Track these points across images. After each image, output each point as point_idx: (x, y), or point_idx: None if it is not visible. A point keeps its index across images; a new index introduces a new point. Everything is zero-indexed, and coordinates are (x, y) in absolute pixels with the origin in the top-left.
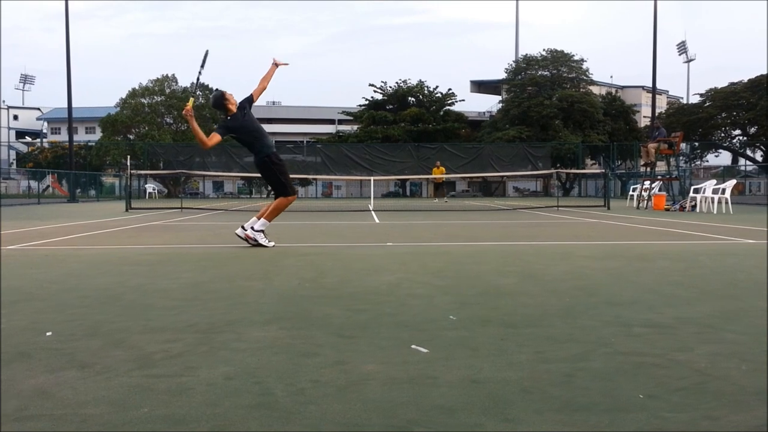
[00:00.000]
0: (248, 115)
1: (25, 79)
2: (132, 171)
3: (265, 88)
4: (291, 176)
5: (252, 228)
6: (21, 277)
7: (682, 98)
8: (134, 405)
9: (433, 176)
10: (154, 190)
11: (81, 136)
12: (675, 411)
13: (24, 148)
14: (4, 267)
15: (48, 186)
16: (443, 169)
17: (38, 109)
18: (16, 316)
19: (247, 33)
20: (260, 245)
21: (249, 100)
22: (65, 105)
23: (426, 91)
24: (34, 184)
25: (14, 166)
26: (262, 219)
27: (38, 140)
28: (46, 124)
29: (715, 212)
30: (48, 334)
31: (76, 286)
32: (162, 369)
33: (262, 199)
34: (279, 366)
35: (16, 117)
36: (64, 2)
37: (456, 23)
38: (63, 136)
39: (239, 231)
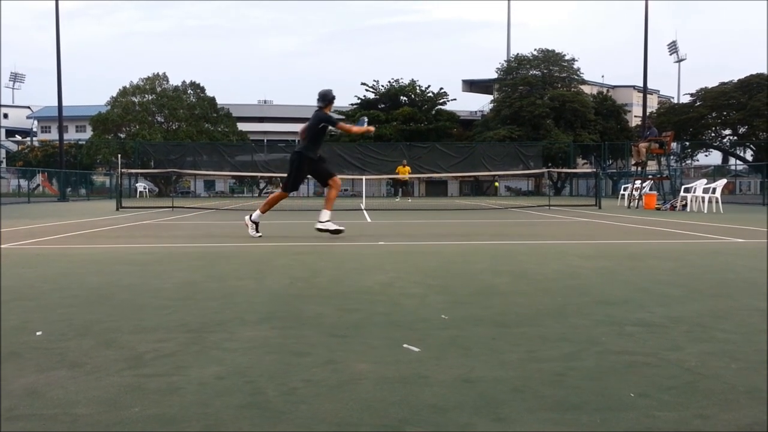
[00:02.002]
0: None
1: (15, 77)
2: (123, 170)
3: (344, 130)
4: (281, 174)
5: (250, 218)
6: (11, 277)
7: (672, 98)
8: (125, 405)
9: (398, 176)
10: (145, 189)
11: (71, 135)
12: (666, 410)
13: (14, 147)
14: None
15: (38, 185)
16: (409, 168)
17: (28, 107)
18: (7, 315)
19: (240, 32)
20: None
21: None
22: (56, 103)
23: (418, 91)
24: (24, 182)
25: (4, 165)
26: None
27: (28, 139)
28: (36, 122)
29: (705, 211)
30: (38, 333)
31: (66, 286)
32: (153, 368)
33: (254, 198)
34: (271, 365)
35: (6, 115)
36: (54, 0)
37: (448, 23)
38: (53, 135)
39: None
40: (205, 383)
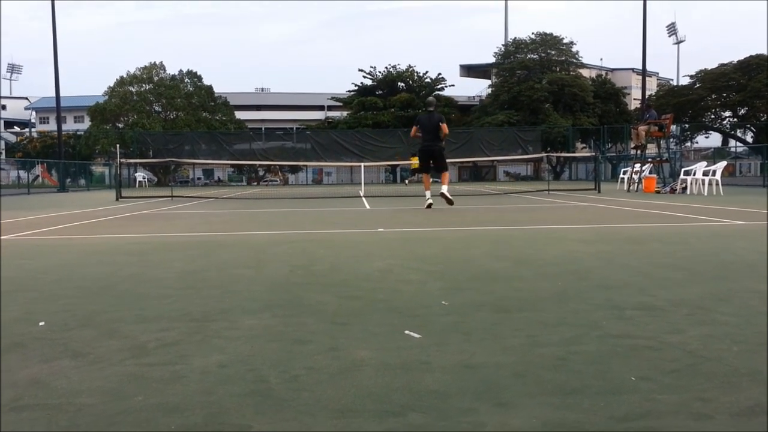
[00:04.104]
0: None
1: (13, 69)
2: (121, 160)
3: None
4: (280, 162)
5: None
6: (12, 268)
7: (672, 80)
8: (128, 394)
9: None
10: (144, 178)
11: (70, 125)
12: (667, 393)
13: (13, 138)
14: None
15: (38, 176)
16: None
17: (26, 98)
18: (9, 306)
19: (236, 19)
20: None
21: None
22: (53, 94)
23: (415, 76)
24: (23, 174)
25: (3, 156)
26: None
27: (27, 130)
28: (34, 113)
29: (705, 194)
30: (41, 324)
31: (68, 276)
32: (156, 358)
33: (251, 187)
34: (272, 353)
35: (4, 107)
36: None
37: (446, 7)
38: (52, 126)
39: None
40: (208, 372)
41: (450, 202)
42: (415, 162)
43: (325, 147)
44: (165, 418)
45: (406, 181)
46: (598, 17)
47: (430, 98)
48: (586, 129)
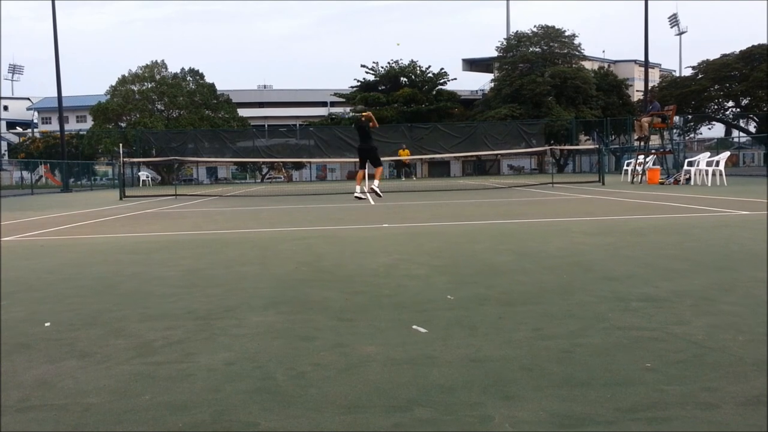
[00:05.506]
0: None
1: (14, 69)
2: (125, 159)
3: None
4: (283, 159)
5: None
6: (18, 269)
7: (674, 71)
8: (136, 393)
9: (400, 157)
10: (147, 177)
11: (72, 125)
12: (673, 383)
13: (15, 139)
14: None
15: (41, 176)
16: (408, 151)
17: (28, 99)
18: (14, 307)
19: (237, 16)
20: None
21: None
22: (55, 94)
23: (418, 71)
24: (27, 174)
25: (6, 157)
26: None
27: (29, 130)
28: (36, 113)
29: (709, 185)
30: (47, 324)
31: (73, 276)
32: (162, 356)
33: (256, 184)
34: (279, 350)
35: (6, 107)
36: None
37: (447, 2)
38: (54, 126)
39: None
40: (215, 369)
41: (378, 195)
42: (402, 155)
43: (329, 143)
44: (172, 417)
45: (413, 177)
46: (599, 9)
47: (359, 106)
48: (589, 121)
